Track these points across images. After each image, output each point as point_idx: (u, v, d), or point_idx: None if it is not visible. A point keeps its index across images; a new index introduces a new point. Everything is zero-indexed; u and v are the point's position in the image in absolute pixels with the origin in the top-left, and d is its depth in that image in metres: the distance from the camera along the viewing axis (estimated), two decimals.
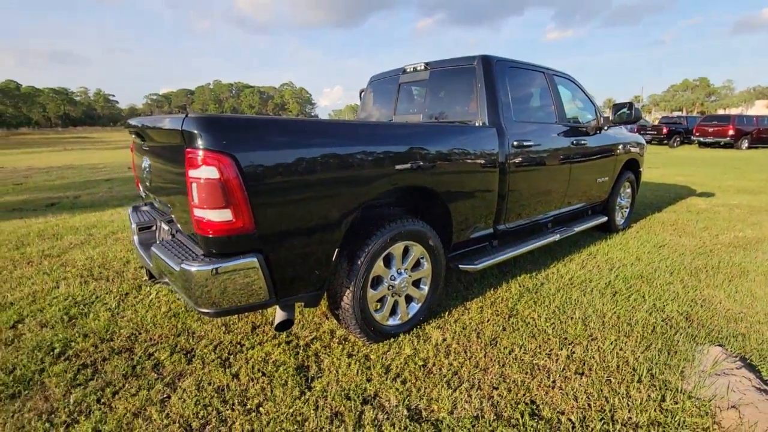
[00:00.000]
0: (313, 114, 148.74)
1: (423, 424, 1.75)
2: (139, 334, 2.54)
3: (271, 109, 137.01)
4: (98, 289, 3.21)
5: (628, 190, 4.83)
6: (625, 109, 3.77)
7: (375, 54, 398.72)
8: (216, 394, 1.96)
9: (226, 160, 1.63)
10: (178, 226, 2.16)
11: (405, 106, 3.66)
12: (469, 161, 2.64)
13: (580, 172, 3.73)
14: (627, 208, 4.89)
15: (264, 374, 2.12)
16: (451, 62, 3.21)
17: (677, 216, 5.47)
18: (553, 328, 2.51)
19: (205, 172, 1.62)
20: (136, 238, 2.56)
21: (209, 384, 2.04)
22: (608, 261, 3.73)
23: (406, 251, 2.41)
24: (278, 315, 2.04)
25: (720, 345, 2.27)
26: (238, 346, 2.39)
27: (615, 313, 2.70)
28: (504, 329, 2.52)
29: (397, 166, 2.20)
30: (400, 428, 1.72)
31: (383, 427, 1.73)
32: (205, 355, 2.30)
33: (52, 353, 2.31)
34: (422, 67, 3.41)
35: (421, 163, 2.32)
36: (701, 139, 19.28)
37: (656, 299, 2.90)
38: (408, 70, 3.54)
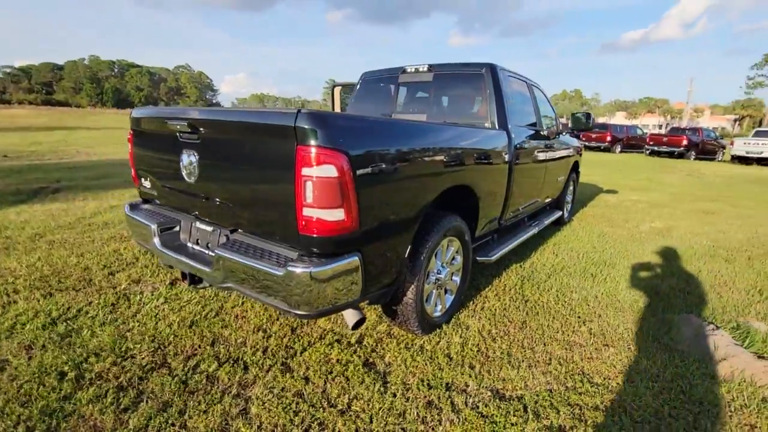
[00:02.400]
0: (214, 101, 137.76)
1: (511, 402, 1.93)
2: (165, 347, 2.28)
3: (165, 93, 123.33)
4: (72, 301, 2.75)
5: (571, 188, 5.59)
6: (582, 118, 4.38)
7: (283, 42, 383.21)
8: (299, 399, 1.90)
9: (343, 158, 1.60)
10: (238, 226, 2.01)
11: (405, 106, 3.76)
12: (492, 161, 2.87)
13: (550, 171, 4.24)
14: (570, 203, 5.66)
15: (333, 373, 2.09)
16: (456, 67, 3.40)
17: (600, 210, 6.47)
18: (566, 309, 2.88)
19: (322, 171, 1.57)
20: (157, 240, 2.27)
21: (284, 390, 1.96)
22: (572, 250, 4.32)
23: (446, 246, 2.55)
24: (352, 315, 2.04)
25: (691, 313, 2.86)
26: (289, 349, 2.30)
27: (603, 293, 3.20)
28: (527, 313, 2.82)
29: (455, 165, 2.34)
30: (493, 407, 1.88)
31: (479, 408, 1.87)
32: (258, 361, 2.17)
33: (67, 379, 1.97)
34: (425, 69, 3.54)
35: (466, 162, 2.48)
36: (585, 143, 22.66)
37: (626, 280, 3.49)
38: (409, 70, 3.64)
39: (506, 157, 3.10)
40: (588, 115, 4.36)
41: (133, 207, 2.62)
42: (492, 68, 3.23)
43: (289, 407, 1.84)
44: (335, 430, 1.74)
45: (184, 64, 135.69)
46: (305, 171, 1.58)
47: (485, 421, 1.80)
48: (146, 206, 2.64)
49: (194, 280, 2.15)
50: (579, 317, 2.78)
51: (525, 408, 1.89)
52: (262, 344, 2.34)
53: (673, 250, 4.44)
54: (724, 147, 20.30)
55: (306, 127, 1.56)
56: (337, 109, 5.27)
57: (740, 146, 16.93)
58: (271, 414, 1.80)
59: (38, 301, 2.74)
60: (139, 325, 2.48)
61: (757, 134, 17.50)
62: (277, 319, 2.62)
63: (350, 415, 1.81)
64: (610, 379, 2.14)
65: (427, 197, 2.16)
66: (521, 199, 3.63)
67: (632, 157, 19.20)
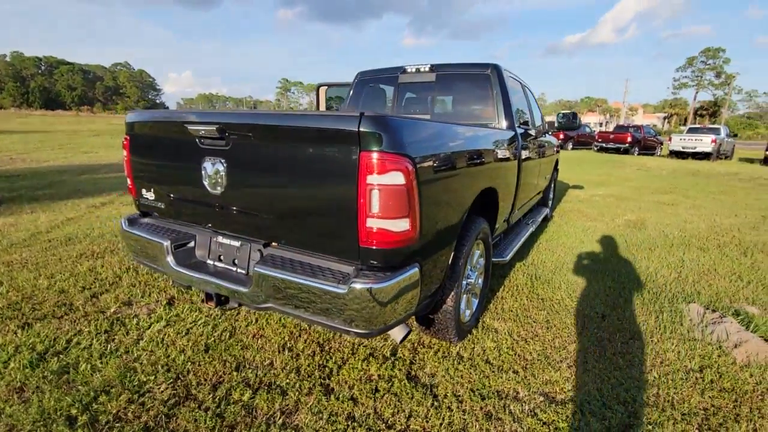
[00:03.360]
0: (158, 102, 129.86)
1: (566, 405, 1.91)
2: (184, 377, 2.05)
3: (101, 93, 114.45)
4: (58, 331, 2.42)
5: (552, 185, 5.78)
6: (570, 118, 4.53)
7: (232, 41, 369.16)
8: (353, 423, 1.77)
9: (409, 164, 1.50)
10: (275, 239, 1.83)
11: (406, 107, 3.68)
12: (508, 161, 2.87)
13: (542, 169, 4.35)
14: (551, 199, 5.85)
15: (380, 391, 1.98)
16: (460, 67, 3.38)
17: (574, 205, 6.76)
18: (583, 306, 2.94)
19: (389, 178, 1.46)
20: (171, 259, 2.03)
21: (333, 414, 1.82)
22: (564, 245, 4.46)
23: (474, 250, 2.51)
24: (401, 329, 1.93)
25: (693, 302, 3.02)
26: (323, 368, 2.15)
27: (610, 287, 3.30)
28: (547, 312, 2.84)
29: (487, 166, 2.30)
30: (551, 413, 1.86)
31: (538, 415, 1.84)
32: (294, 384, 2.01)
33: (79, 424, 1.71)
34: (427, 69, 3.49)
35: (493, 164, 2.46)
36: None
37: (623, 273, 3.63)
38: (409, 70, 3.57)
39: (516, 157, 3.11)
40: (574, 115, 4.51)
41: (132, 222, 2.33)
42: (497, 69, 3.23)
43: (340, 430, 1.71)
44: None
45: (122, 61, 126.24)
46: (370, 179, 1.46)
47: (549, 429, 1.77)
48: (146, 220, 2.37)
49: (221, 300, 1.94)
50: (597, 313, 2.84)
51: (582, 410, 1.88)
52: (292, 365, 2.17)
53: (652, 241, 4.70)
54: (661, 143, 22.08)
55: (371, 131, 1.43)
56: (322, 108, 5.10)
57: (677, 142, 18.48)
58: None
59: (15, 333, 2.38)
60: (146, 354, 2.22)
61: (691, 131, 19.20)
62: (299, 335, 2.45)
63: None
64: (645, 373, 2.20)
65: (468, 201, 2.10)
66: (524, 198, 3.68)
67: (584, 154, 20.36)
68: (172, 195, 2.13)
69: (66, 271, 3.32)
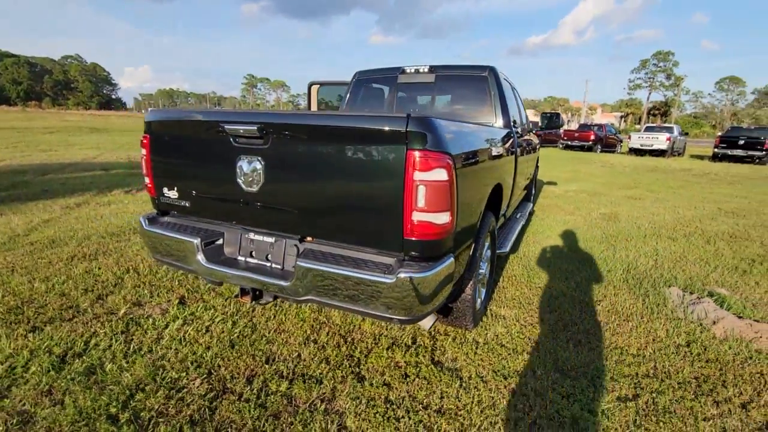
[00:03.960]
0: (114, 97, 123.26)
1: (579, 380, 2.10)
2: (216, 371, 2.08)
3: (50, 87, 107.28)
4: (73, 333, 2.38)
5: (534, 181, 6.08)
6: (553, 118, 4.80)
7: (195, 35, 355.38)
8: (392, 406, 1.88)
9: (450, 161, 1.62)
10: (312, 234, 1.91)
11: (405, 106, 3.80)
12: (508, 158, 3.05)
13: (529, 165, 4.59)
14: (533, 195, 6.15)
15: (410, 376, 2.10)
16: (459, 69, 3.53)
17: (552, 200, 7.13)
18: (578, 294, 3.17)
19: (434, 175, 1.57)
20: (201, 256, 2.05)
21: (371, 399, 1.92)
22: (549, 237, 4.73)
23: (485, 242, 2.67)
24: (430, 317, 2.06)
25: (672, 286, 3.33)
26: (350, 358, 2.24)
27: (598, 275, 3.57)
28: (548, 299, 3.05)
29: (498, 163, 2.46)
30: (569, 386, 2.04)
31: (558, 389, 2.02)
32: (327, 374, 2.09)
33: (124, 421, 1.72)
34: (426, 70, 3.61)
35: (501, 160, 2.62)
36: None
37: (608, 262, 3.92)
38: (408, 71, 3.69)
39: (513, 154, 3.31)
40: (557, 115, 4.79)
41: (152, 221, 2.32)
42: (494, 71, 3.41)
43: (386, 415, 1.81)
44: (442, 430, 1.75)
45: (73, 54, 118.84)
46: (417, 175, 1.57)
47: (570, 401, 1.95)
48: (167, 219, 2.37)
49: (257, 295, 1.99)
50: (594, 299, 3.08)
51: (594, 384, 2.08)
52: (320, 355, 2.25)
53: (627, 232, 5.07)
54: (621, 141, 23.38)
55: (418, 131, 1.55)
56: (314, 107, 5.13)
57: (636, 140, 19.66)
58: (373, 424, 1.76)
59: (25, 337, 2.32)
60: (172, 352, 2.23)
61: (648, 130, 20.47)
62: (320, 329, 2.53)
63: (449, 414, 1.84)
64: (642, 349, 2.43)
65: (486, 195, 2.25)
66: (517, 192, 3.90)
67: (551, 151, 21.23)
68: (199, 193, 2.14)
69: (61, 274, 3.21)
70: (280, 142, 1.80)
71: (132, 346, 2.28)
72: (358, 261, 1.77)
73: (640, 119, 61.80)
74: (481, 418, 1.82)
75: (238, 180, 1.93)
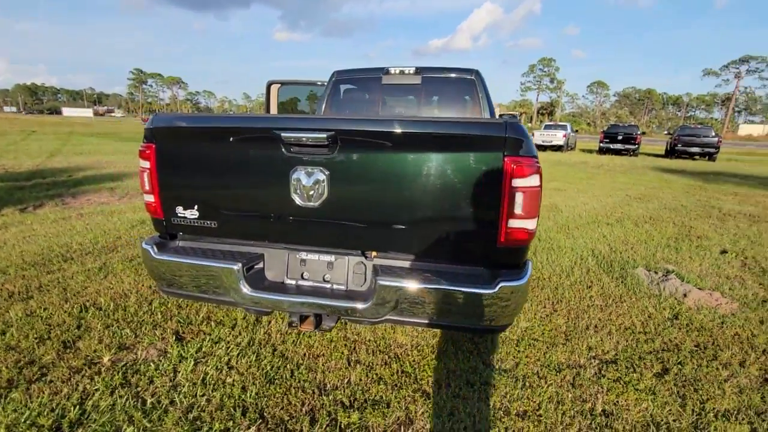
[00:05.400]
0: None
1: (614, 363, 2.28)
2: (269, 413, 1.83)
3: None
4: (53, 396, 1.91)
5: None
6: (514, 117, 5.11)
7: (68, 23, 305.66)
8: (475, 417, 1.83)
9: (539, 166, 1.62)
10: (382, 249, 1.76)
11: (391, 108, 3.72)
12: None
13: None
14: None
15: (473, 383, 2.07)
16: (445, 71, 3.56)
17: None
18: (572, 281, 3.44)
19: (531, 180, 1.57)
20: (244, 284, 1.76)
21: (451, 414, 1.85)
22: None
23: None
24: None
25: (637, 267, 3.78)
26: (406, 374, 2.14)
27: (575, 263, 3.90)
28: (550, 290, 3.25)
29: None
30: (613, 371, 2.20)
31: (604, 375, 2.16)
32: (389, 395, 1.97)
33: None
34: (412, 71, 3.59)
35: None
36: None
37: (575, 250, 4.32)
38: (393, 71, 3.62)
39: None
40: (514, 117, 5.10)
41: (162, 246, 1.93)
42: (479, 73, 3.52)
43: (476, 428, 1.76)
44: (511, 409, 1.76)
45: None
46: (516, 182, 1.54)
47: (620, 383, 2.10)
48: (181, 243, 1.99)
49: (318, 322, 1.78)
50: (584, 284, 3.36)
51: (632, 365, 2.27)
52: (371, 376, 2.11)
53: (573, 221, 5.64)
54: None
55: (516, 137, 1.52)
56: (273, 109, 4.78)
57: (538, 137, 22.00)
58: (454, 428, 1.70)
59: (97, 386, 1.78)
60: (202, 400, 1.90)
61: (546, 128, 23.04)
62: (354, 348, 2.36)
63: (532, 417, 1.86)
64: (645, 326, 2.72)
65: None
66: None
67: None
68: (233, 211, 1.84)
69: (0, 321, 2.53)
70: (351, 151, 1.62)
71: (146, 400, 1.89)
72: (441, 273, 1.68)
73: (531, 118, 69.36)
74: (558, 415, 1.87)
75: (293, 194, 1.70)
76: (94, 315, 2.67)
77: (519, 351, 2.38)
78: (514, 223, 1.59)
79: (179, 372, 2.10)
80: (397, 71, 3.61)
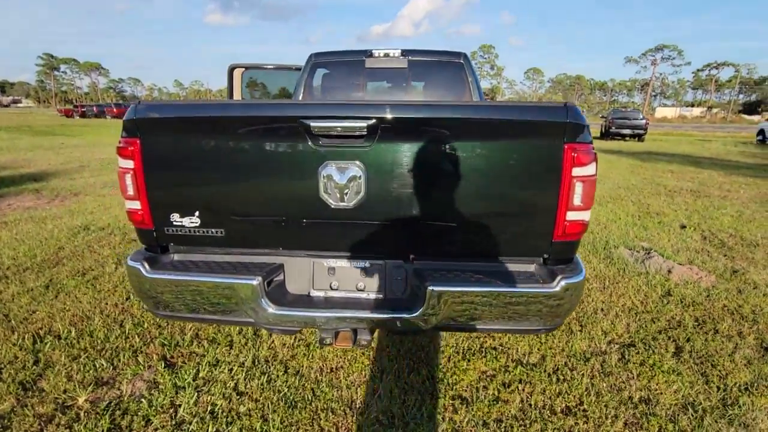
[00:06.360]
0: None
1: (636, 346, 2.30)
2: (295, 423, 1.60)
3: None
4: (110, 399, 1.53)
5: None
6: None
7: None
8: (519, 419, 1.73)
9: (595, 153, 1.51)
10: (413, 252, 1.57)
11: (376, 93, 3.49)
12: None
13: None
14: None
15: (510, 383, 1.97)
16: (433, 54, 3.38)
17: None
18: None
19: (591, 169, 1.45)
20: (266, 300, 1.49)
21: (498, 420, 1.74)
22: None
23: None
24: None
25: (618, 247, 3.92)
26: (438, 380, 2.00)
27: None
28: None
29: None
30: (635, 354, 2.21)
31: (630, 360, 2.16)
32: (426, 408, 1.81)
33: None
34: (398, 54, 3.36)
35: None
36: None
37: None
38: (377, 54, 3.37)
39: None
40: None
41: (154, 262, 1.59)
42: (467, 57, 3.38)
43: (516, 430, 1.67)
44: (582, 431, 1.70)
45: None
46: (576, 171, 1.42)
47: (646, 366, 2.11)
48: (177, 257, 1.66)
49: (355, 338, 1.56)
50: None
51: (650, 348, 2.30)
52: (401, 386, 1.94)
53: None
54: None
55: (577, 122, 1.39)
56: (237, 95, 4.35)
57: None
58: None
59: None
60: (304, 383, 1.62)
61: None
62: (376, 358, 2.18)
63: (578, 414, 1.80)
64: (644, 304, 2.80)
65: None
66: None
67: None
68: (246, 216, 1.55)
69: None
70: (392, 141, 1.41)
71: (241, 375, 1.58)
72: (493, 274, 1.54)
73: None
74: (602, 408, 1.83)
75: (323, 194, 1.46)
76: (54, 345, 2.23)
77: (541, 343, 2.32)
78: (572, 216, 1.48)
79: (180, 406, 1.79)
80: (382, 54, 3.37)
